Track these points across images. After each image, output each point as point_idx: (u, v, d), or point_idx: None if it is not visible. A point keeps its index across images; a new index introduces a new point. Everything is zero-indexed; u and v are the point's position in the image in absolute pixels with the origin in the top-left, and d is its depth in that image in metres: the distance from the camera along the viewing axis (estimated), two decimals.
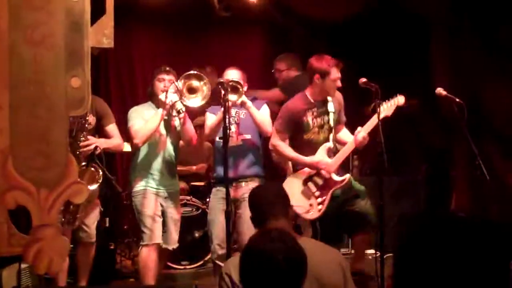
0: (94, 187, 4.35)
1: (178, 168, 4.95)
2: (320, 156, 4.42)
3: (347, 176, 4.44)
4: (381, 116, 4.26)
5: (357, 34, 6.74)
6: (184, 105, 4.41)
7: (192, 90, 4.42)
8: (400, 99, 4.53)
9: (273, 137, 4.54)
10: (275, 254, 2.03)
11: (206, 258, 5.71)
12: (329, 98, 4.53)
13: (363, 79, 4.41)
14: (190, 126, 4.65)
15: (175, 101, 4.39)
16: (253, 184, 4.55)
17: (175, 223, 4.72)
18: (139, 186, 4.60)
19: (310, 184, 4.45)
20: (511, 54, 5.05)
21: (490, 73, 5.20)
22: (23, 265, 3.89)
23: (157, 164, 4.60)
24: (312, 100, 4.50)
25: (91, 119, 4.59)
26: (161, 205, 4.62)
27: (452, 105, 4.54)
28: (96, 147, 4.33)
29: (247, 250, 2.13)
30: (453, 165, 5.56)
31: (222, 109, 4.23)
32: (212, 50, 7.33)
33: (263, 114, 4.65)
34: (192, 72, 4.44)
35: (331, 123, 4.49)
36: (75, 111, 2.57)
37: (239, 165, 4.61)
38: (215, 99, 4.58)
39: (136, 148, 4.59)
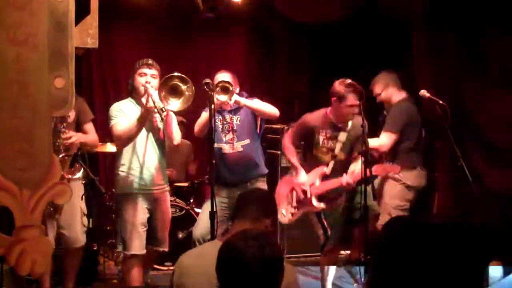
0: (78, 175, 4.36)
1: None
2: (310, 177, 4.55)
3: (322, 206, 4.53)
4: (372, 173, 4.21)
5: (340, 36, 6.76)
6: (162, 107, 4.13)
7: (174, 91, 4.13)
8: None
9: (286, 136, 4.80)
10: (248, 253, 2.04)
11: None
12: (349, 125, 4.54)
13: (348, 81, 4.43)
14: (173, 125, 4.42)
15: (157, 101, 4.10)
16: (257, 184, 4.74)
17: (165, 226, 4.53)
18: (122, 188, 4.38)
19: (294, 193, 4.64)
20: (493, 57, 5.10)
21: (472, 75, 5.24)
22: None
23: (141, 164, 4.35)
24: (329, 120, 4.55)
25: (72, 113, 4.55)
26: (148, 209, 4.39)
27: (435, 107, 4.58)
28: (78, 149, 4.31)
29: (223, 248, 2.15)
30: (436, 166, 5.59)
31: (215, 109, 4.22)
32: (196, 50, 7.32)
33: (259, 102, 4.63)
34: (176, 74, 4.16)
35: (336, 151, 4.53)
36: (58, 111, 2.56)
37: (242, 170, 4.67)
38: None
39: (120, 149, 4.39)
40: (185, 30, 7.15)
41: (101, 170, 6.78)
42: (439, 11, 5.44)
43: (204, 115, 4.63)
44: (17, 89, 2.44)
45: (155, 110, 4.19)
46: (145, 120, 4.22)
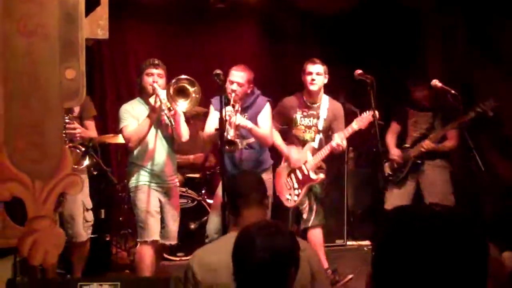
0: (85, 164, 4.45)
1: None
2: (303, 152, 4.86)
3: (321, 176, 4.87)
4: (356, 127, 4.68)
5: (351, 27, 6.74)
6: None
7: (181, 93, 4.26)
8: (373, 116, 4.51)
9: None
10: (258, 241, 2.04)
11: None
12: (322, 104, 4.85)
13: (359, 71, 4.41)
14: (181, 123, 4.49)
15: (164, 100, 4.27)
16: (263, 175, 4.66)
17: (174, 219, 4.65)
18: (133, 181, 4.55)
19: (292, 177, 4.92)
20: (505, 45, 5.07)
21: (484, 63, 5.21)
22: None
23: (151, 159, 4.53)
24: (304, 100, 4.88)
25: (76, 108, 4.61)
26: (160, 200, 4.56)
27: (447, 96, 4.56)
28: (91, 139, 4.35)
29: (235, 240, 2.15)
30: (449, 157, 5.58)
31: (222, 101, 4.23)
32: (207, 42, 7.30)
33: (263, 129, 4.66)
34: (184, 76, 4.27)
35: (319, 126, 4.85)
36: (69, 102, 2.57)
37: (247, 166, 4.71)
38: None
39: (131, 148, 4.53)
40: (196, 23, 7.14)
41: (113, 161, 6.81)
42: (450, 1, 5.41)
43: (214, 113, 4.64)
44: (27, 81, 2.44)
45: (163, 108, 4.34)
46: (153, 120, 4.38)
